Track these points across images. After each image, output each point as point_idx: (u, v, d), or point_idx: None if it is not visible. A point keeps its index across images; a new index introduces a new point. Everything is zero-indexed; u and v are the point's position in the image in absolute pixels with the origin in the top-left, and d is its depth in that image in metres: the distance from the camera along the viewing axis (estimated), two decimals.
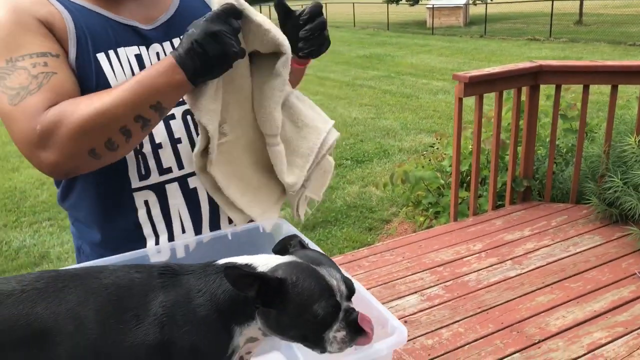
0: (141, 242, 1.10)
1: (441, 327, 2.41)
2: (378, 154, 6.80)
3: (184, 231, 1.12)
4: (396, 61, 14.63)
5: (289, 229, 1.04)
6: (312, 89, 10.73)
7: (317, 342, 0.73)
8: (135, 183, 1.07)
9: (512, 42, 17.35)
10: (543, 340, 2.29)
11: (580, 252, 2.97)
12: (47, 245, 4.68)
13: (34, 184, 6.16)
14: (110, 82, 1.01)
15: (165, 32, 1.10)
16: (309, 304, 0.70)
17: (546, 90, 3.96)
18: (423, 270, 2.87)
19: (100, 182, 1.07)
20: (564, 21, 19.85)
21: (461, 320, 2.45)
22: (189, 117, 1.10)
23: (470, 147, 3.87)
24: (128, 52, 1.05)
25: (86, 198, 1.11)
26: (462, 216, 3.61)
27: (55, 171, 0.94)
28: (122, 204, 1.08)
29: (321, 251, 0.82)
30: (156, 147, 1.06)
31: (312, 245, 0.90)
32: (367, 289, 2.57)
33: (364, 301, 0.82)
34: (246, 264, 0.75)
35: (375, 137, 7.58)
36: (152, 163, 1.07)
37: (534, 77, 3.36)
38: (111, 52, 1.03)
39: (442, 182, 4.11)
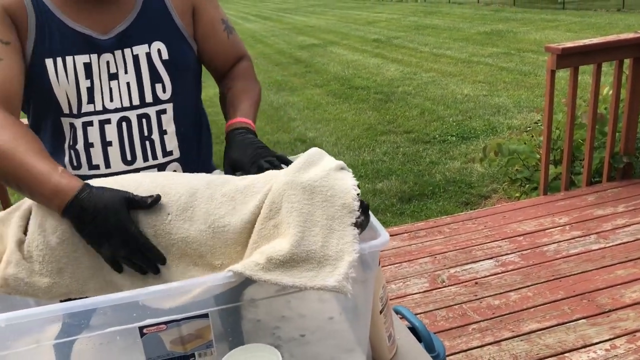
0: None
1: (510, 290, 2.49)
2: (485, 131, 6.69)
3: None
4: (518, 38, 13.94)
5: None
6: (426, 66, 10.63)
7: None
8: (70, 171, 1.23)
9: None
10: (613, 310, 2.29)
11: None
12: None
13: None
14: (54, 87, 1.16)
15: (119, 41, 1.20)
16: None
17: None
18: (502, 239, 2.94)
19: None
20: None
21: (532, 285, 2.51)
22: (124, 123, 1.23)
23: (577, 121, 3.74)
24: (77, 60, 1.17)
25: None
26: (555, 191, 3.57)
27: None
28: None
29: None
30: (88, 145, 1.23)
31: None
32: (443, 253, 2.69)
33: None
34: None
35: (485, 114, 7.43)
36: (83, 158, 1.24)
37: (639, 49, 3.22)
38: (59, 59, 1.16)
39: (539, 157, 4.05)
